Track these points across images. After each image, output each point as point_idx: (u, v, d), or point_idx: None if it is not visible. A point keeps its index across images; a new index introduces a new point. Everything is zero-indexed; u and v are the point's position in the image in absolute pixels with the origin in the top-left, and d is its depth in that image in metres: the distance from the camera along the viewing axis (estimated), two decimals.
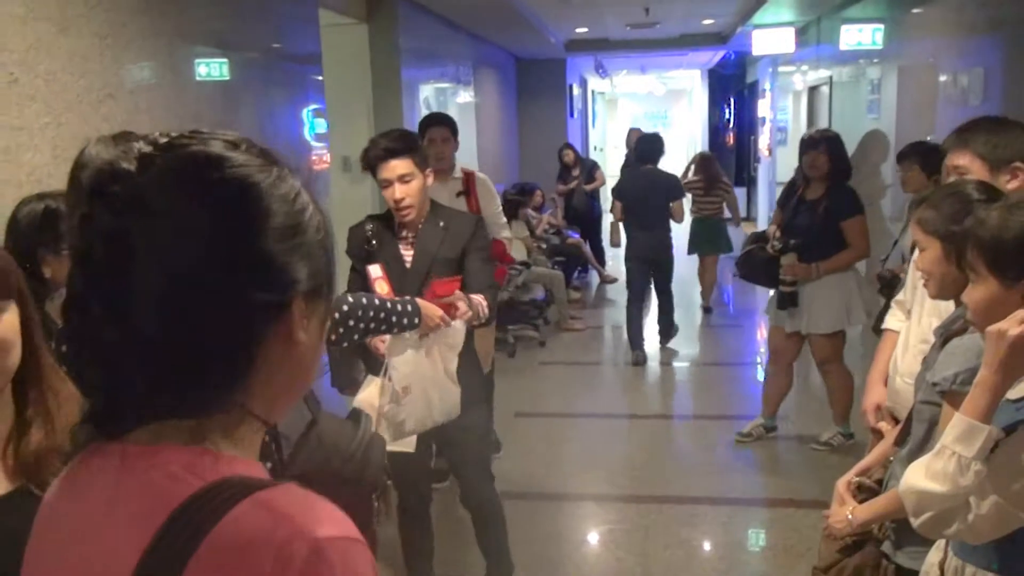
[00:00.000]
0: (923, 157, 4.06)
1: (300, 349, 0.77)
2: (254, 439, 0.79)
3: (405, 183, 2.76)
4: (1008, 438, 1.42)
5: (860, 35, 6.50)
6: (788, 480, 4.36)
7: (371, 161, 2.79)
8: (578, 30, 9.71)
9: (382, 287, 2.76)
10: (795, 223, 4.39)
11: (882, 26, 6.15)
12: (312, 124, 4.48)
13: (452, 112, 7.27)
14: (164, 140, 0.75)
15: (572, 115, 12.64)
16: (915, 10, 5.43)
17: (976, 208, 1.74)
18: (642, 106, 21.53)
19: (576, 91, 13.37)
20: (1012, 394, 1.46)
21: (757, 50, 8.83)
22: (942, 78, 4.88)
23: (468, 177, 4.41)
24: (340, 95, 5.29)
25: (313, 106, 4.48)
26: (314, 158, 4.48)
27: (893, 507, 1.82)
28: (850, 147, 6.63)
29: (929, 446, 1.74)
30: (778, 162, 10.68)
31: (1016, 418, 1.46)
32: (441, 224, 2.93)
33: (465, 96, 7.95)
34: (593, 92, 17.28)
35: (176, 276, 0.70)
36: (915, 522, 1.51)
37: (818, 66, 8.35)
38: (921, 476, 1.47)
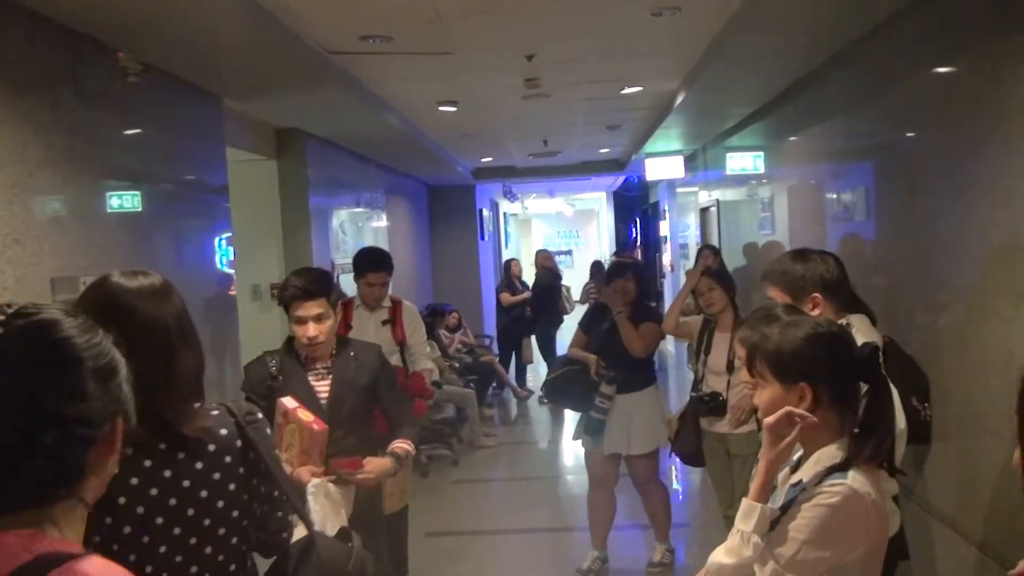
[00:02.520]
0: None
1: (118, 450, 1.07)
2: (82, 518, 1.04)
3: (319, 322, 2.88)
4: (784, 515, 1.68)
5: (743, 161, 7.06)
6: None
7: (287, 299, 2.92)
8: (484, 159, 10.19)
9: (305, 415, 2.75)
10: (609, 350, 4.46)
11: (762, 153, 6.72)
12: (225, 252, 4.62)
13: (366, 237, 7.53)
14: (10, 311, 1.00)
15: (483, 237, 13.07)
16: (791, 138, 5.98)
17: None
18: (553, 226, 22.34)
19: (487, 214, 13.86)
20: (794, 478, 1.74)
21: (651, 176, 9.44)
22: (828, 196, 5.33)
23: (396, 306, 4.56)
24: (250, 225, 5.46)
25: (226, 234, 4.64)
26: (226, 285, 4.60)
27: None
28: (738, 260, 7.09)
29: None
30: (679, 277, 11.21)
31: (790, 497, 1.72)
32: (352, 354, 3.05)
33: (378, 222, 8.23)
34: (505, 214, 17.90)
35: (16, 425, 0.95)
36: None
37: (708, 188, 8.96)
38: (720, 553, 1.73)
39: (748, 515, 1.69)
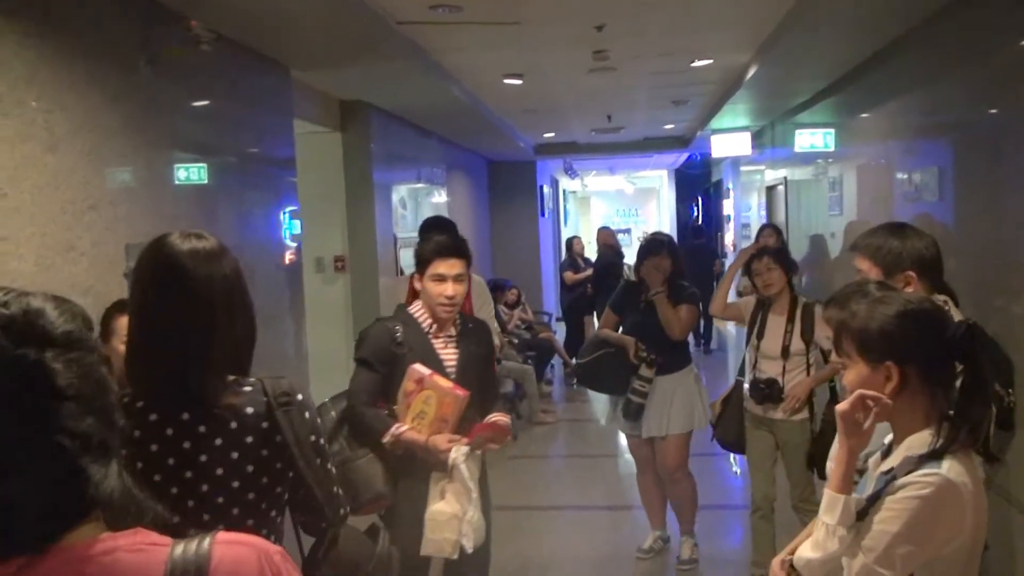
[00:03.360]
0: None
1: None
2: None
3: (459, 282, 2.83)
4: (874, 505, 1.60)
5: (813, 138, 6.85)
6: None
7: (429, 254, 2.85)
8: (546, 135, 10.11)
9: (444, 381, 2.72)
10: (644, 331, 4.33)
11: (833, 130, 6.52)
12: (290, 225, 4.66)
13: (425, 212, 7.53)
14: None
15: (543, 214, 13.01)
16: (863, 115, 5.78)
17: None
18: (613, 204, 22.13)
19: (547, 191, 13.78)
20: (885, 466, 1.64)
21: (716, 153, 9.24)
22: (898, 176, 5.17)
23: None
24: (314, 199, 5.50)
25: (290, 208, 4.67)
26: (290, 258, 4.64)
27: None
28: (804, 242, 6.92)
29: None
30: None
31: (878, 487, 1.64)
32: (471, 326, 3.00)
33: (438, 196, 8.23)
34: (564, 191, 17.78)
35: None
36: None
37: (775, 166, 8.74)
38: (807, 547, 1.66)
39: (832, 507, 1.62)
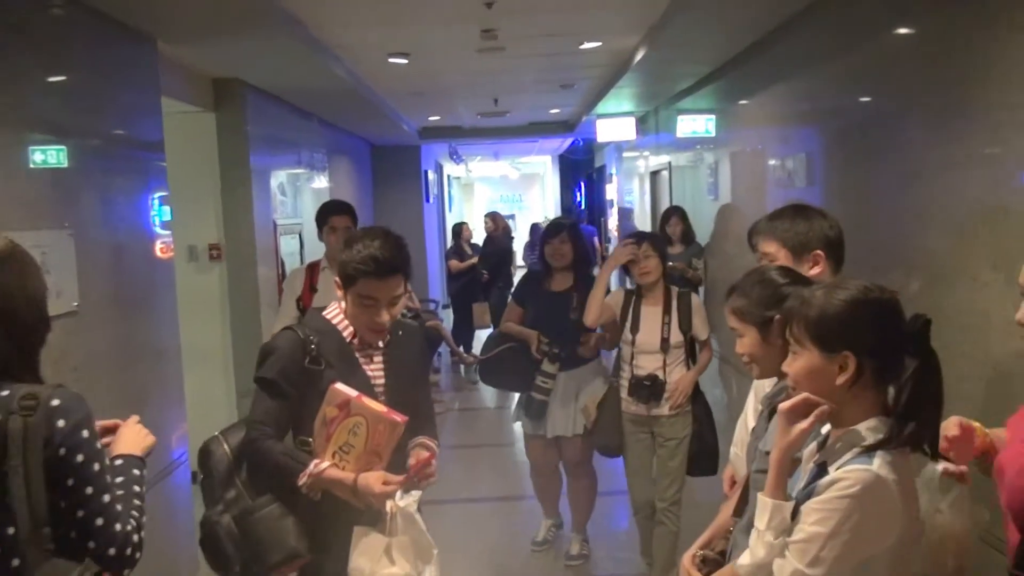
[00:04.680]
0: None
1: None
2: None
3: (395, 305, 2.28)
4: (805, 503, 1.54)
5: (694, 124, 6.96)
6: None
7: (354, 271, 2.22)
8: (432, 118, 9.93)
9: (376, 405, 2.20)
10: (548, 322, 4.15)
11: (713, 116, 6.63)
12: (159, 211, 4.33)
13: (306, 198, 7.23)
14: None
15: (428, 200, 12.82)
16: (742, 102, 5.89)
17: (783, 291, 1.90)
18: (497, 190, 22.14)
19: (431, 176, 13.59)
20: (820, 457, 1.60)
21: (601, 138, 9.29)
22: (771, 162, 5.28)
23: None
24: (185, 183, 5.14)
25: (159, 193, 4.34)
26: (160, 246, 4.31)
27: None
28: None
29: None
30: None
31: (809, 480, 1.59)
32: (400, 333, 2.43)
33: (319, 182, 7.92)
34: (448, 177, 17.63)
35: None
36: None
37: (659, 152, 8.87)
38: (744, 555, 1.59)
39: (763, 512, 1.55)
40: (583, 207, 16.76)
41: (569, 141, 13.75)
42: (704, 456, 3.83)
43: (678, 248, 6.13)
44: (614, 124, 8.80)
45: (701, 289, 5.65)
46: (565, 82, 7.37)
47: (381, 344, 2.37)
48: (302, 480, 2.19)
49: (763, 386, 2.25)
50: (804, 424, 1.55)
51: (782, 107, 4.94)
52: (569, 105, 9.19)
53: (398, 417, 2.18)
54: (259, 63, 5.18)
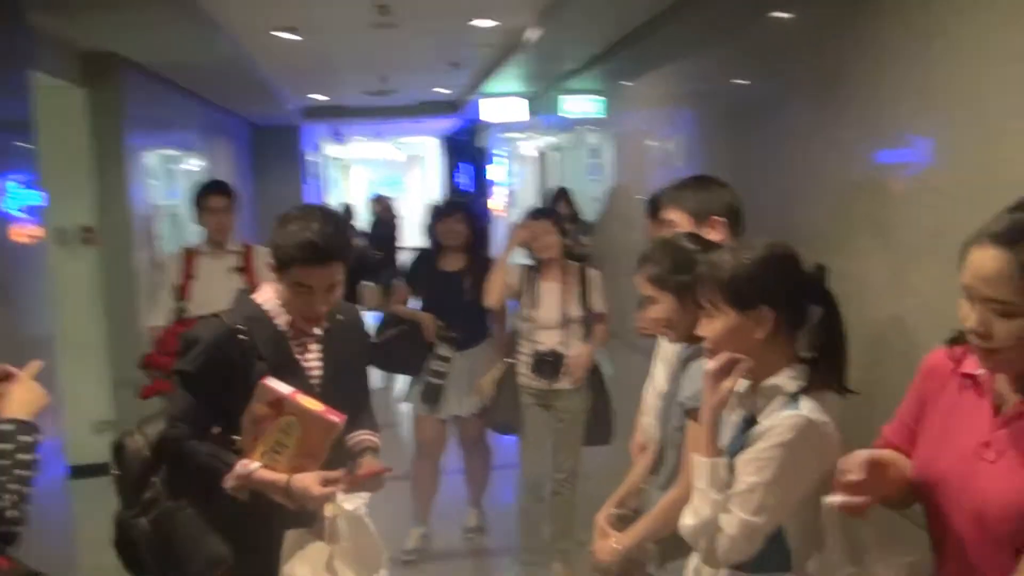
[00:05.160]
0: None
1: None
2: None
3: (331, 292, 2.12)
4: (741, 457, 1.61)
5: (581, 104, 7.08)
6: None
7: (288, 256, 2.05)
8: (317, 97, 9.71)
9: (312, 403, 2.03)
10: (442, 303, 4.10)
11: (599, 98, 6.76)
12: (25, 192, 4.05)
13: (185, 180, 6.92)
14: None
15: (308, 181, 12.58)
16: (626, 83, 6.03)
17: (695, 257, 1.99)
18: (377, 172, 21.79)
19: (312, 157, 13.31)
20: (743, 412, 1.67)
21: (489, 118, 9.33)
22: (652, 143, 5.44)
23: (247, 250, 4.07)
24: (55, 163, 4.83)
25: (25, 172, 4.06)
26: (28, 229, 4.04)
27: (654, 528, 2.01)
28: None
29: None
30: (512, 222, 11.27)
31: (736, 435, 1.67)
32: (339, 318, 2.26)
33: (198, 163, 7.61)
34: (327, 158, 17.28)
35: None
36: (704, 556, 1.64)
37: (546, 133, 8.98)
38: (687, 515, 1.63)
39: (700, 471, 1.61)
40: (468, 189, 16.75)
41: (455, 122, 13.72)
42: (599, 427, 3.92)
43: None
44: (501, 104, 8.85)
45: None
46: (456, 61, 7.34)
47: (319, 331, 2.21)
48: (230, 482, 2.04)
49: (668, 354, 2.33)
50: (730, 381, 1.62)
51: (666, 89, 5.08)
52: (457, 85, 9.16)
53: (335, 417, 2.03)
54: (136, 36, 4.93)
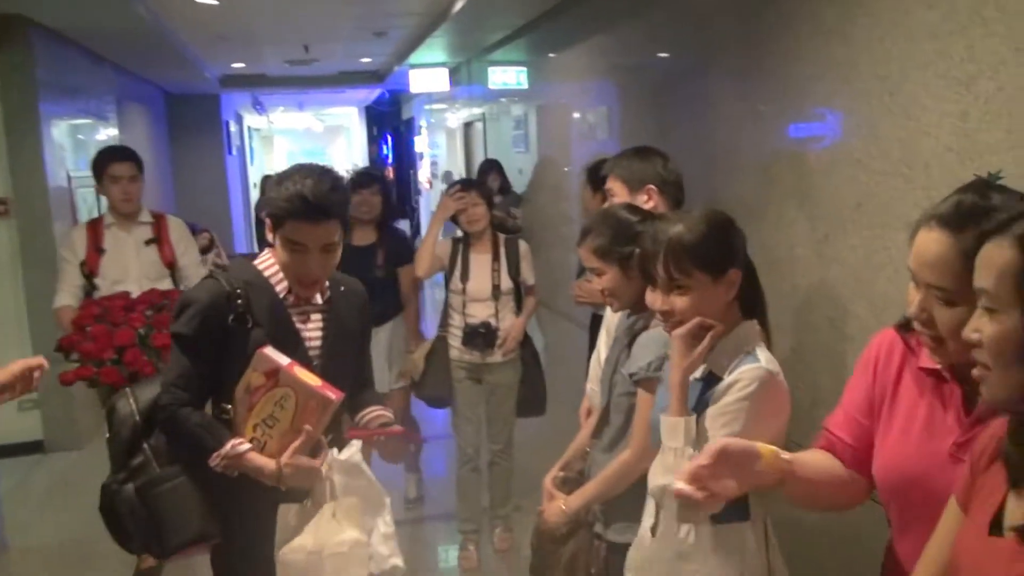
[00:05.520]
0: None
1: None
2: None
3: (329, 253, 2.03)
4: (707, 414, 1.67)
5: (506, 76, 7.07)
6: None
7: (281, 211, 1.96)
8: (236, 65, 9.43)
9: (309, 377, 1.93)
10: (357, 276, 4.06)
11: (525, 69, 6.77)
12: None
13: (91, 151, 6.65)
14: None
15: (230, 152, 12.23)
16: (551, 55, 6.05)
17: (637, 228, 2.05)
18: (299, 143, 21.36)
19: (233, 128, 12.95)
20: (701, 372, 1.74)
21: (414, 88, 9.22)
22: (575, 115, 5.49)
23: (159, 220, 3.94)
24: None
25: None
26: None
27: (601, 490, 2.07)
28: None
29: (629, 432, 2.01)
30: (436, 194, 11.24)
31: (698, 394, 1.73)
32: (342, 288, 2.19)
33: (107, 132, 7.32)
34: (249, 129, 16.84)
35: None
36: (680, 513, 1.68)
37: (471, 104, 8.94)
38: (658, 473, 1.68)
39: (674, 431, 1.64)
40: (390, 160, 16.60)
41: (377, 92, 13.53)
42: (533, 399, 3.98)
43: (497, 198, 6.28)
44: (426, 75, 8.75)
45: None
46: (379, 29, 7.23)
47: (321, 301, 2.13)
48: (215, 461, 1.94)
49: (613, 323, 2.40)
50: (702, 346, 1.68)
51: (589, 61, 5.12)
52: (381, 55, 9.03)
53: (332, 394, 1.92)
54: None
